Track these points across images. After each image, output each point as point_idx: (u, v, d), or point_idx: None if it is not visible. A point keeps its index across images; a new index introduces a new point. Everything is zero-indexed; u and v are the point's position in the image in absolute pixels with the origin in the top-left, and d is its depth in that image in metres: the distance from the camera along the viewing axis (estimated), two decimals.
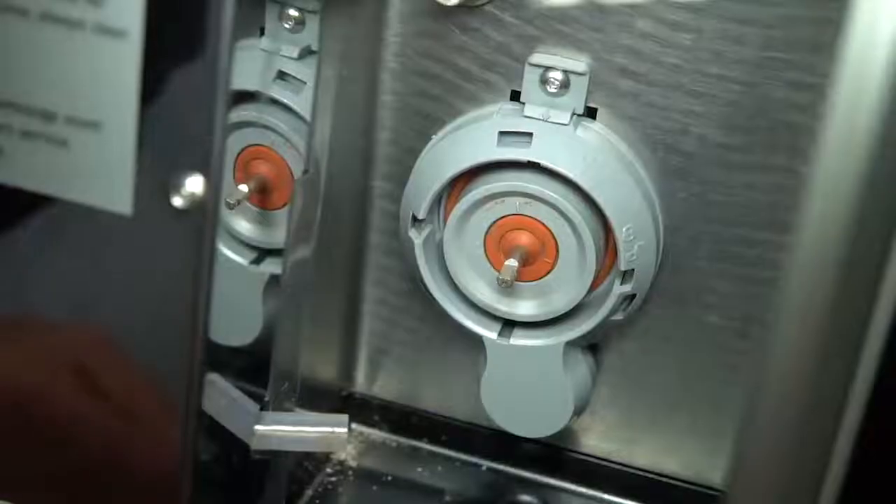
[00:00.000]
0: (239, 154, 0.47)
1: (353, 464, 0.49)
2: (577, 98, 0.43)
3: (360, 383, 0.52)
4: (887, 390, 0.30)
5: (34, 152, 0.35)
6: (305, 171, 0.42)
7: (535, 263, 0.43)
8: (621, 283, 0.43)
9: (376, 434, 0.51)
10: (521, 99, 0.43)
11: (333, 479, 0.48)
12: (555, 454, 0.50)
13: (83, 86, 0.34)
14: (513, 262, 0.42)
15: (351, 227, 0.48)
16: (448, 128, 0.45)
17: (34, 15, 0.33)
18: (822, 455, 0.31)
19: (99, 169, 0.34)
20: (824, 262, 0.29)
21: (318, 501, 0.47)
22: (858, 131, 0.28)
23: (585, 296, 0.44)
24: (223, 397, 0.39)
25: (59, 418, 0.37)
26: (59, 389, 0.37)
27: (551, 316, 0.44)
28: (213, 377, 0.40)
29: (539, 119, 0.43)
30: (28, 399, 0.37)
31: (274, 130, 0.46)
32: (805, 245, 0.29)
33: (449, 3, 0.42)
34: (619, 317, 0.44)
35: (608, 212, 0.42)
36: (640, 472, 0.49)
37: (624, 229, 0.42)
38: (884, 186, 0.28)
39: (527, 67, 0.43)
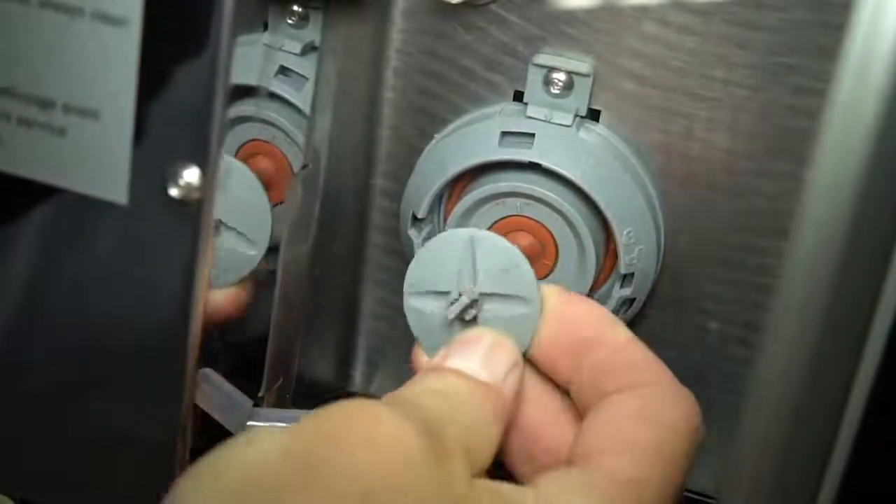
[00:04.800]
0: (240, 148, 0.47)
1: None
2: (580, 100, 0.42)
3: (358, 383, 0.52)
4: (885, 399, 0.29)
5: (32, 140, 0.34)
6: (304, 167, 0.42)
7: (534, 265, 0.43)
8: (621, 287, 0.43)
9: None
10: (524, 99, 0.43)
11: None
12: None
13: (82, 74, 0.34)
14: None
15: (351, 225, 0.48)
16: (450, 127, 0.45)
17: (34, 1, 0.33)
18: (817, 465, 0.31)
19: (96, 157, 0.34)
20: (822, 266, 0.28)
21: None
22: (858, 135, 0.27)
23: None
24: (216, 392, 0.39)
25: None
26: None
27: None
28: (207, 371, 0.40)
29: (541, 120, 0.42)
30: None
31: (275, 126, 0.46)
32: (803, 249, 0.28)
33: (453, 1, 0.42)
34: None
35: (609, 214, 0.41)
36: None
37: (625, 232, 0.42)
38: (883, 190, 0.27)
39: (530, 68, 0.43)
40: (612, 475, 0.33)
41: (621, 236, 0.42)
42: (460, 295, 0.38)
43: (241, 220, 0.44)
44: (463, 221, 0.43)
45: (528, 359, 0.38)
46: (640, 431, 0.35)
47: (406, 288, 0.40)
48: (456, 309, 0.38)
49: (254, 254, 0.45)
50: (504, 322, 0.38)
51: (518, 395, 0.37)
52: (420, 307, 0.39)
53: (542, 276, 0.43)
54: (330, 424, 0.31)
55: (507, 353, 0.37)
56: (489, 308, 0.39)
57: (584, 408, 0.37)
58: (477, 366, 0.36)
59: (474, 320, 0.39)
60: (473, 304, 0.38)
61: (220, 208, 0.43)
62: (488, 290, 0.39)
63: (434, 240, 0.40)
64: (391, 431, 0.31)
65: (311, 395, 0.46)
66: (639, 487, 0.33)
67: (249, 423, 0.39)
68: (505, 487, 0.33)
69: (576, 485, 0.33)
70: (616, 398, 0.36)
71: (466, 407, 0.34)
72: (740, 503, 0.31)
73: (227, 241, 0.45)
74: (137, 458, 0.36)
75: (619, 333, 0.38)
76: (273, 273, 0.47)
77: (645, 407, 0.36)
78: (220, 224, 0.44)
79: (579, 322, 0.38)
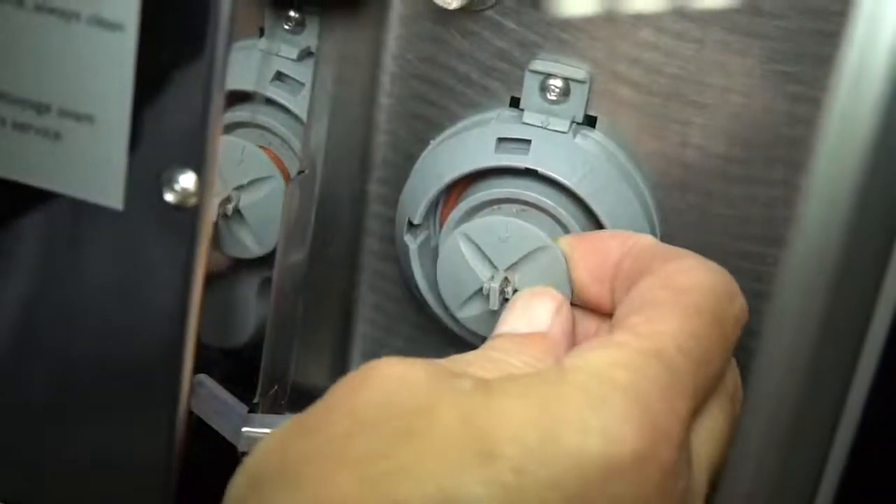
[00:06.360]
0: None
1: None
2: (576, 106, 0.42)
3: None
4: (883, 403, 0.29)
5: (26, 144, 0.34)
6: (300, 172, 0.42)
7: None
8: None
9: None
10: (521, 105, 0.43)
11: None
12: None
13: (77, 78, 0.33)
14: None
15: (346, 231, 0.47)
16: (446, 133, 0.44)
17: (29, 5, 0.33)
18: (815, 471, 0.31)
19: (91, 162, 0.34)
20: (819, 273, 0.28)
21: None
22: (855, 143, 0.27)
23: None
24: (212, 398, 0.39)
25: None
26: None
27: None
28: (202, 377, 0.40)
29: (538, 126, 0.42)
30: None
31: (271, 131, 0.46)
32: (799, 256, 0.28)
33: (450, 7, 0.41)
34: None
35: (605, 221, 0.41)
36: None
37: None
38: (880, 197, 0.27)
39: (527, 74, 0.43)
40: (630, 329, 0.32)
41: None
42: (491, 282, 0.40)
43: (257, 220, 0.45)
44: (460, 226, 0.43)
45: (576, 304, 0.39)
46: (660, 293, 0.34)
47: (451, 308, 0.43)
48: (494, 297, 0.40)
49: (255, 251, 0.45)
50: (539, 279, 0.40)
51: (569, 334, 0.36)
52: (472, 314, 0.42)
53: None
54: (328, 394, 0.31)
55: (545, 300, 0.37)
56: (519, 276, 0.41)
57: None
58: (516, 323, 0.36)
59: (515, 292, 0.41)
60: (505, 283, 0.40)
61: (245, 202, 0.45)
62: (508, 263, 0.41)
63: (439, 260, 0.42)
64: (387, 371, 0.31)
65: (306, 401, 0.46)
66: (659, 338, 0.32)
67: (244, 429, 0.39)
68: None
69: (597, 344, 0.32)
70: (642, 280, 0.35)
71: (500, 354, 0.34)
72: None
73: (238, 230, 0.45)
74: (133, 465, 0.36)
75: (641, 239, 0.38)
76: (269, 279, 0.47)
77: (668, 276, 0.35)
78: (238, 213, 0.45)
79: (602, 250, 0.38)
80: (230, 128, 0.46)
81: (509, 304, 0.38)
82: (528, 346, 0.34)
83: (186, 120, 0.33)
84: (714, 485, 0.33)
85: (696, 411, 0.32)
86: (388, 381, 0.30)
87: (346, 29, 0.43)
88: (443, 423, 0.29)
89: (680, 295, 0.34)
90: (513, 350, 0.34)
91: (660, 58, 0.41)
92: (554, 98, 0.42)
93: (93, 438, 0.36)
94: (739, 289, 0.36)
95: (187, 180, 0.33)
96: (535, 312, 0.36)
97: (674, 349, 0.31)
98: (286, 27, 0.45)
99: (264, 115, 0.45)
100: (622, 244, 0.38)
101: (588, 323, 0.39)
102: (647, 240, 0.38)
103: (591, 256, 0.38)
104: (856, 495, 0.31)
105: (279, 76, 0.45)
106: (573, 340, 0.37)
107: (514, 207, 0.42)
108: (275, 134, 0.46)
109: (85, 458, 0.37)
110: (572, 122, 0.42)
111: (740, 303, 0.35)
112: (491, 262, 0.41)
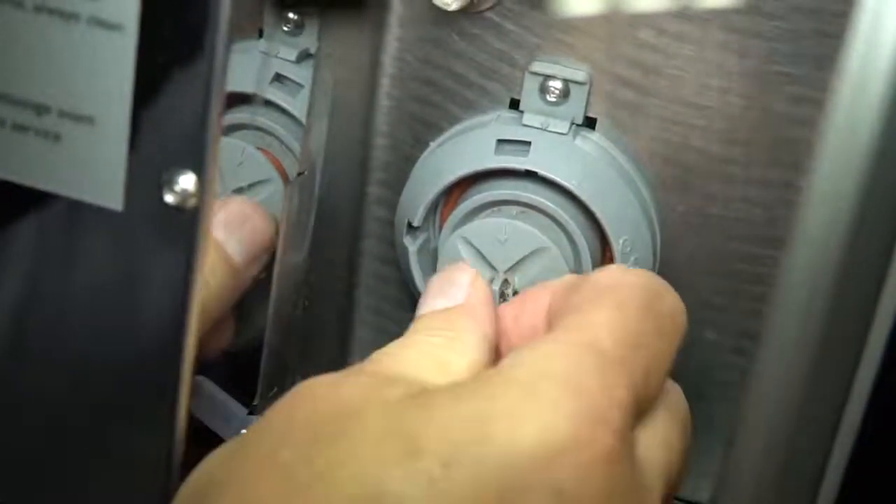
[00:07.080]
0: None
1: None
2: (576, 108, 0.42)
3: None
4: (883, 406, 0.29)
5: (26, 146, 0.34)
6: (299, 174, 0.42)
7: None
8: None
9: None
10: (520, 107, 0.43)
11: None
12: None
13: (77, 79, 0.33)
14: None
15: (345, 234, 0.47)
16: (446, 135, 0.44)
17: (29, 6, 0.33)
18: (814, 474, 0.31)
19: (91, 164, 0.34)
20: (819, 275, 0.28)
21: None
22: (857, 144, 0.27)
23: None
24: (211, 400, 0.39)
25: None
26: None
27: None
28: (202, 380, 0.40)
29: (538, 128, 0.42)
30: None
31: (270, 133, 0.46)
32: (800, 258, 0.28)
33: (449, 8, 0.41)
34: None
35: (605, 223, 0.41)
36: None
37: (621, 241, 0.42)
38: (882, 199, 0.27)
39: (527, 76, 0.43)
40: (563, 326, 0.32)
41: (617, 245, 0.42)
42: (491, 285, 0.40)
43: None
44: (458, 230, 0.43)
45: None
46: (588, 293, 0.33)
47: None
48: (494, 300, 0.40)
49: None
50: (539, 280, 0.40)
51: (489, 303, 0.36)
52: None
53: None
54: (264, 414, 0.32)
55: (457, 275, 0.36)
56: (519, 278, 0.41)
57: None
58: (433, 303, 0.36)
59: (515, 294, 0.41)
60: (505, 285, 0.41)
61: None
62: (507, 265, 0.41)
63: (439, 263, 0.42)
64: (317, 387, 0.31)
65: None
66: (591, 329, 0.32)
67: (244, 432, 0.39)
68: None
69: (532, 343, 0.32)
70: (571, 294, 0.35)
71: (421, 336, 0.34)
72: None
73: None
74: (133, 468, 0.36)
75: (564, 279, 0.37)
76: (268, 281, 0.47)
77: (593, 281, 0.34)
78: None
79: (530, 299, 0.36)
80: (229, 129, 0.46)
81: (425, 288, 0.37)
82: (448, 320, 0.35)
83: (186, 121, 0.33)
84: (669, 499, 0.33)
85: (638, 409, 0.32)
86: (317, 396, 0.31)
87: (345, 30, 0.43)
88: (368, 427, 0.29)
89: (606, 291, 0.33)
90: (433, 327, 0.34)
91: (660, 59, 0.41)
92: (553, 100, 0.42)
93: (92, 439, 0.36)
94: (669, 286, 0.35)
95: (187, 181, 0.33)
96: (449, 289, 0.36)
97: (606, 338, 0.31)
98: (285, 29, 0.45)
99: (263, 117, 0.45)
100: (546, 288, 0.36)
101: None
102: (570, 277, 0.37)
103: (520, 307, 0.37)
104: (856, 500, 0.31)
105: (278, 78, 0.45)
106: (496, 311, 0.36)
107: (514, 209, 0.42)
108: (274, 136, 0.46)
109: (85, 458, 0.37)
110: (572, 123, 0.42)
111: (672, 300, 0.35)
112: (490, 265, 0.41)
